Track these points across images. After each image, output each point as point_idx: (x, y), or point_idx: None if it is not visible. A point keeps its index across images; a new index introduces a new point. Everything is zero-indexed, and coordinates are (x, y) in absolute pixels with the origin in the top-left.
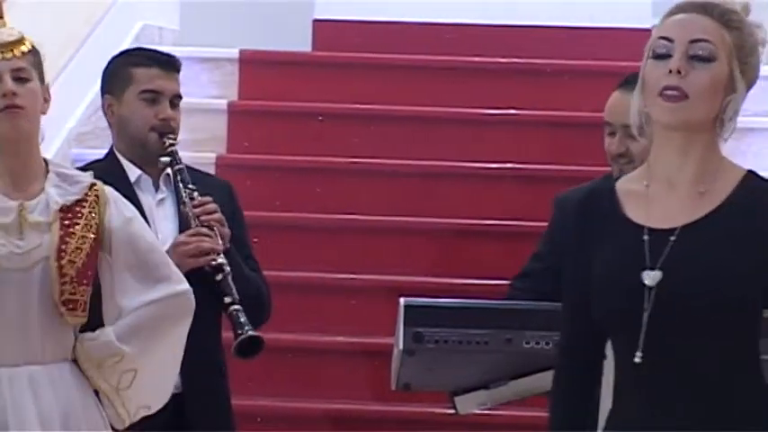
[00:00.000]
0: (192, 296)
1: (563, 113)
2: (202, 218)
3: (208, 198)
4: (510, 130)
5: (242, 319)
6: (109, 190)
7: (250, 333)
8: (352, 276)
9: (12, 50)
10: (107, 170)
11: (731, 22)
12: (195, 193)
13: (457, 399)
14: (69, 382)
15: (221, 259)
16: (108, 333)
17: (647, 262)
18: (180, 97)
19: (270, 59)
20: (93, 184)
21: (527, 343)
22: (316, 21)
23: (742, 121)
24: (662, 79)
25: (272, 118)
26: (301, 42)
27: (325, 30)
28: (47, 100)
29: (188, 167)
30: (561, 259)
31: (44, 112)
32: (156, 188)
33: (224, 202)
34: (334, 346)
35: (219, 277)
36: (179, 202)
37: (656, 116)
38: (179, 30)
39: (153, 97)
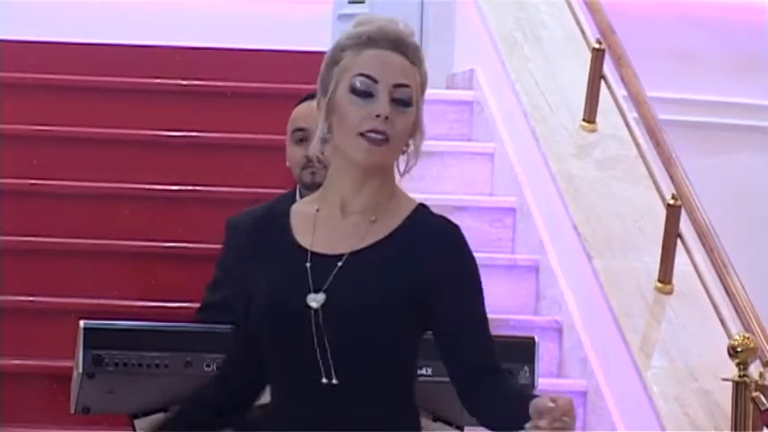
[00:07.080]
0: None
1: (245, 136)
2: None
3: None
4: (192, 153)
5: None
6: None
7: None
8: (30, 299)
9: None
10: None
11: (417, 59)
12: None
13: (137, 422)
14: None
15: None
16: None
17: (310, 286)
18: None
19: None
20: None
21: (207, 366)
22: None
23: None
24: (367, 120)
25: None
26: None
27: (5, 50)
28: None
29: None
30: (234, 284)
31: None
32: None
33: None
34: (10, 369)
35: None
36: None
37: (353, 154)
38: None
39: None
